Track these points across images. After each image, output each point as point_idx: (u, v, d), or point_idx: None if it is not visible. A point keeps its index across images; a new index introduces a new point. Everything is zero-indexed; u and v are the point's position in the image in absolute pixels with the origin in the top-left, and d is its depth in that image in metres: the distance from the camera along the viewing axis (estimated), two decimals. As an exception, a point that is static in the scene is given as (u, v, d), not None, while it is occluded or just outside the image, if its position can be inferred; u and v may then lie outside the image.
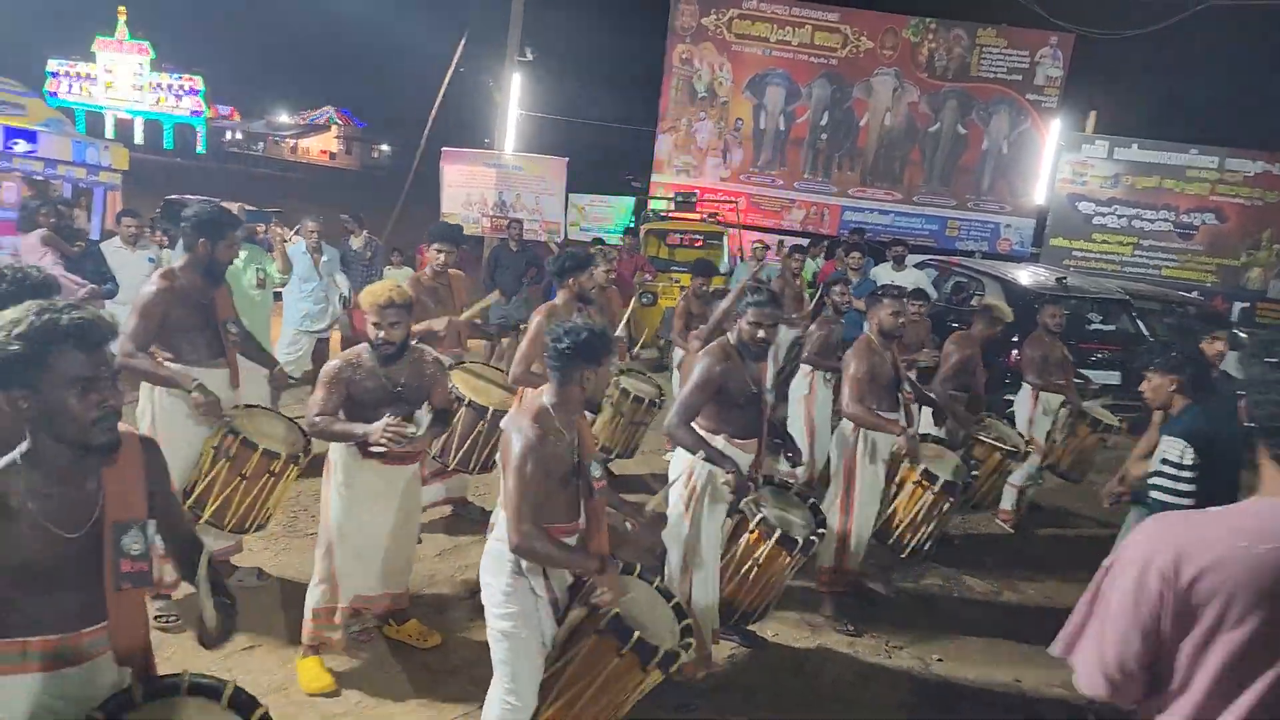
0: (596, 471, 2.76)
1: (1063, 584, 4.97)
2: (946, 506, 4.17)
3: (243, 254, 6.01)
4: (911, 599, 4.69)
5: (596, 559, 2.62)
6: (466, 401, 4.12)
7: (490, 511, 4.58)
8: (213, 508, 3.49)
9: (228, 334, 3.88)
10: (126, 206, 7.49)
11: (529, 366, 4.15)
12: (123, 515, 1.79)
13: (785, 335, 7.19)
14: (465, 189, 12.80)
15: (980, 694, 3.84)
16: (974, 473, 4.52)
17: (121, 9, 35.93)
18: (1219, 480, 3.14)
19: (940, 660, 4.06)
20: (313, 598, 3.42)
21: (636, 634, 2.47)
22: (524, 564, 2.61)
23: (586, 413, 3.08)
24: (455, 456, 4.22)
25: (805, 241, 9.92)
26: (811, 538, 3.58)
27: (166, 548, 2.04)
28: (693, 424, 3.53)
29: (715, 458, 3.43)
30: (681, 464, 3.56)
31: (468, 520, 4.98)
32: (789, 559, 3.54)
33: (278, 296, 7.04)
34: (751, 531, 3.54)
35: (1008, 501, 5.83)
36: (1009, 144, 13.57)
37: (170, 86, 39.84)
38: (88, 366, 1.66)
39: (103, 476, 1.78)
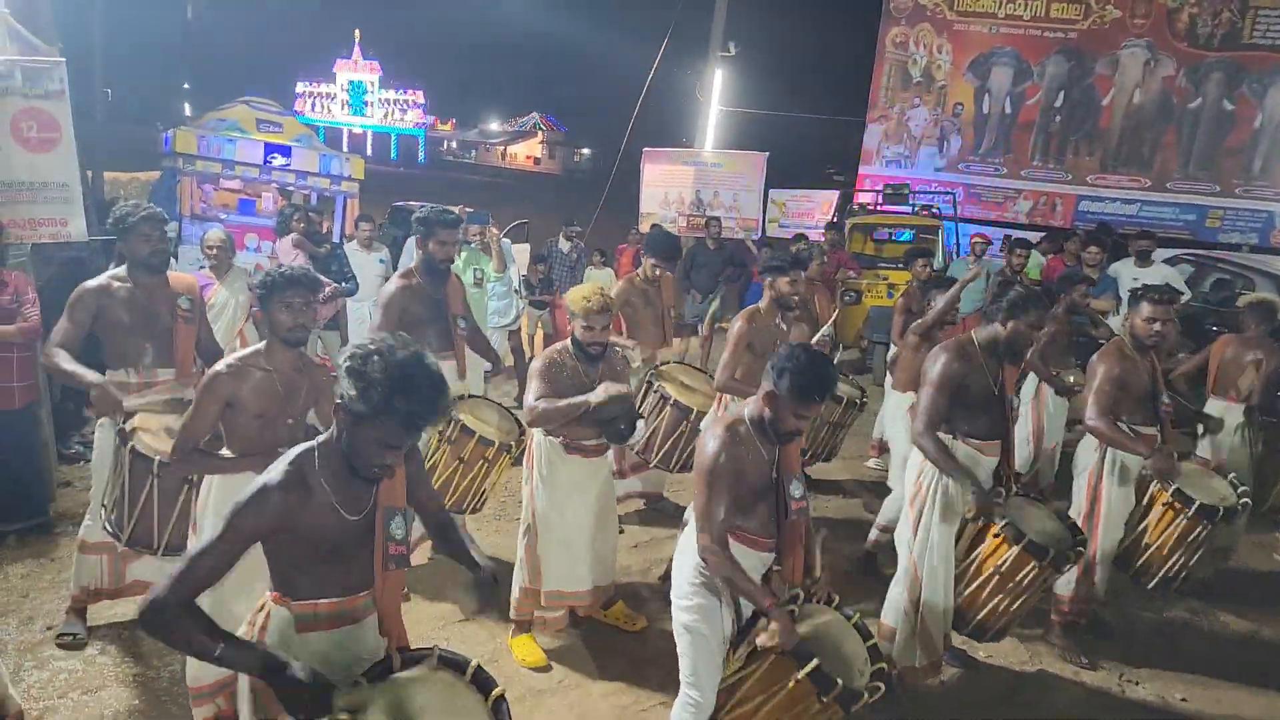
0: (796, 491, 2.70)
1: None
2: (1202, 534, 3.69)
3: (462, 254, 6.34)
4: (1152, 631, 4.21)
5: (769, 597, 2.53)
6: (672, 401, 4.21)
7: (684, 508, 4.54)
8: (435, 485, 3.69)
9: (456, 328, 4.16)
10: (362, 213, 8.13)
11: (733, 374, 4.17)
12: (390, 500, 2.05)
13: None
14: (664, 188, 12.87)
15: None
16: (1243, 499, 3.79)
17: (357, 30, 39.79)
18: None
19: (1184, 700, 3.65)
20: (518, 578, 3.63)
21: (815, 661, 2.40)
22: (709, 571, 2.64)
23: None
24: (657, 455, 4.34)
25: (1031, 236, 8.97)
26: (1068, 552, 3.30)
27: (426, 527, 2.42)
28: (939, 434, 3.38)
29: (957, 476, 3.30)
30: (913, 469, 3.50)
31: (662, 514, 5.13)
32: (1036, 569, 3.23)
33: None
34: (997, 535, 3.29)
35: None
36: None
37: (396, 102, 43.75)
38: (406, 439, 1.90)
39: None
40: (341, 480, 1.94)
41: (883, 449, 6.30)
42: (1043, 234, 10.41)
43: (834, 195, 13.24)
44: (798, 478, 2.73)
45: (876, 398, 6.37)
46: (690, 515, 2.76)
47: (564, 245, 9.11)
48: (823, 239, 9.39)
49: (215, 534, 1.84)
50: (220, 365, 2.81)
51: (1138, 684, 3.75)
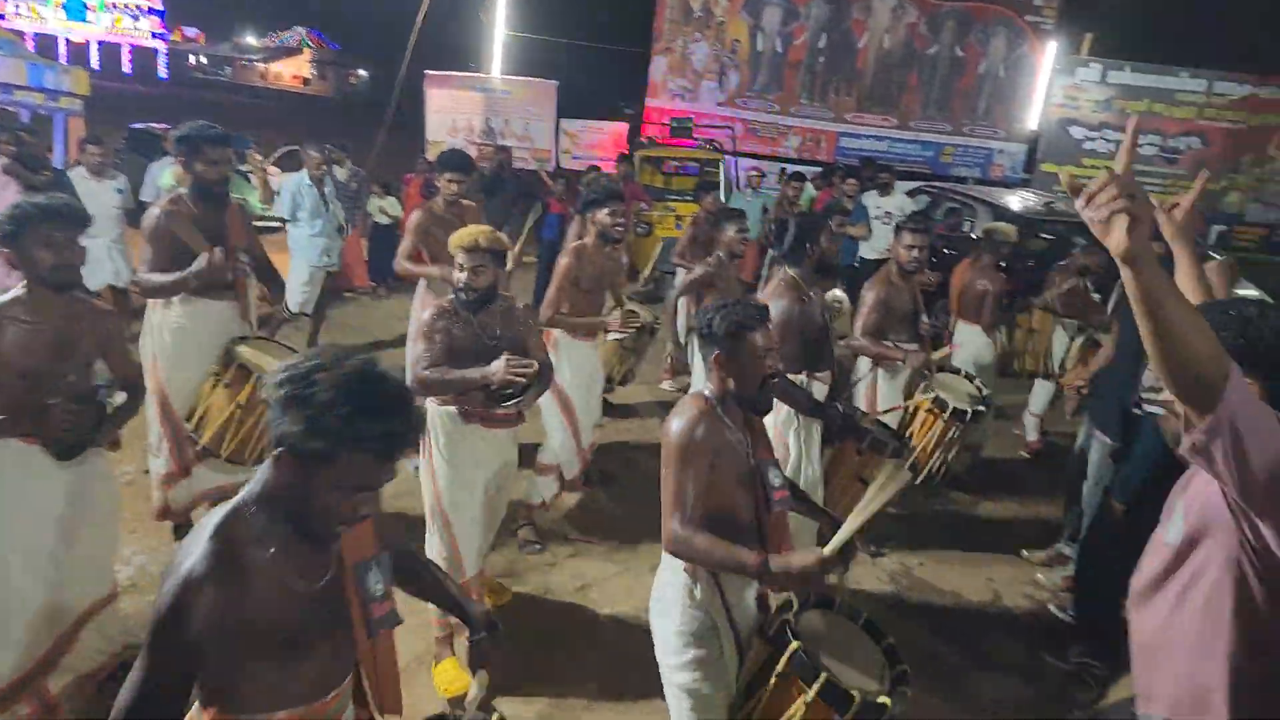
0: (776, 479, 2.34)
1: (1037, 498, 5.30)
2: (956, 433, 4.15)
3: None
4: (928, 519, 4.90)
5: (758, 555, 2.08)
6: None
7: None
8: (209, 433, 3.45)
9: (238, 262, 3.71)
10: (90, 134, 7.15)
11: (558, 309, 4.11)
12: (359, 553, 1.60)
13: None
14: (450, 115, 12.52)
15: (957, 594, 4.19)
16: (986, 402, 4.41)
17: (70, -79, 33.99)
18: None
19: (922, 564, 4.40)
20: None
21: (824, 676, 2.01)
22: (699, 593, 2.21)
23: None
24: None
25: (803, 169, 9.83)
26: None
27: (395, 574, 1.78)
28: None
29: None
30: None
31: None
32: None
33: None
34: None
35: (1031, 432, 6.01)
36: (1005, 67, 13.44)
37: (127, 6, 37.97)
38: (377, 476, 1.45)
39: None
40: (289, 544, 1.47)
41: (675, 371, 6.80)
42: (818, 170, 11.39)
43: (624, 128, 13.55)
44: (774, 464, 2.40)
45: (667, 324, 6.79)
46: (663, 562, 2.32)
47: (341, 174, 8.69)
48: (614, 171, 9.68)
49: (142, 669, 1.38)
50: None
51: (885, 554, 4.43)
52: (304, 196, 6.46)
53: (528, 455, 4.11)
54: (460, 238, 3.04)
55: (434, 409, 3.17)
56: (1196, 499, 1.69)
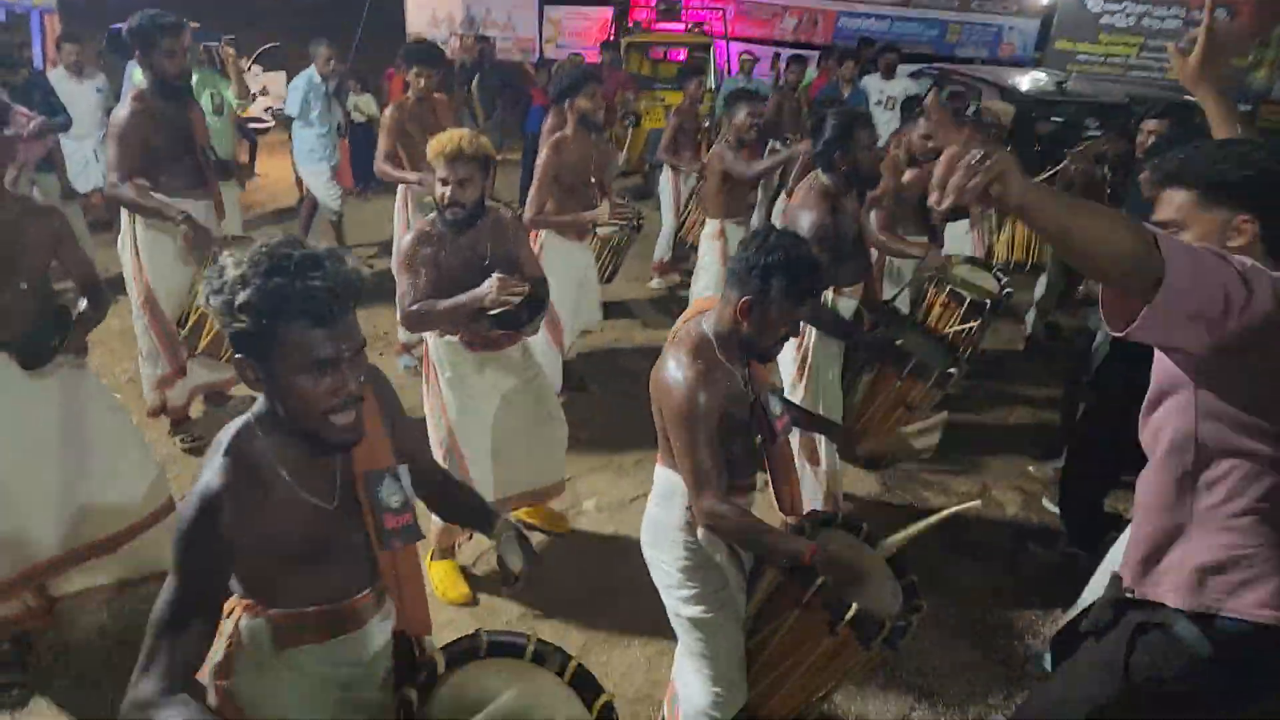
0: (777, 408, 2.21)
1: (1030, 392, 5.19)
2: (974, 328, 3.76)
3: (194, 77, 5.64)
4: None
5: (810, 546, 1.98)
6: None
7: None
8: (208, 339, 3.49)
9: (207, 160, 3.71)
10: (65, 31, 6.93)
11: (541, 209, 3.92)
12: (371, 463, 1.57)
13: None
14: (430, 6, 11.97)
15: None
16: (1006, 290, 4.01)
17: None
18: None
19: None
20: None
21: (854, 607, 1.92)
22: (700, 532, 2.12)
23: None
24: None
25: (804, 53, 9.32)
26: (950, 371, 3.27)
27: (416, 489, 1.72)
28: None
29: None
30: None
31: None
32: (924, 392, 3.27)
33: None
34: (896, 374, 3.30)
35: (1028, 326, 5.90)
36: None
37: (98, -101, 36.31)
38: (329, 345, 1.36)
39: None
40: (301, 457, 1.47)
41: (664, 270, 6.63)
42: (819, 51, 10.82)
43: (609, 12, 12.90)
44: (772, 391, 2.26)
45: (655, 221, 6.60)
46: (662, 477, 2.21)
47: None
48: (599, 59, 9.26)
49: (173, 584, 1.38)
50: None
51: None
52: (314, 96, 6.29)
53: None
54: (441, 145, 2.69)
55: (433, 340, 2.97)
56: (1161, 359, 1.65)
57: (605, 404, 4.69)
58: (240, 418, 1.49)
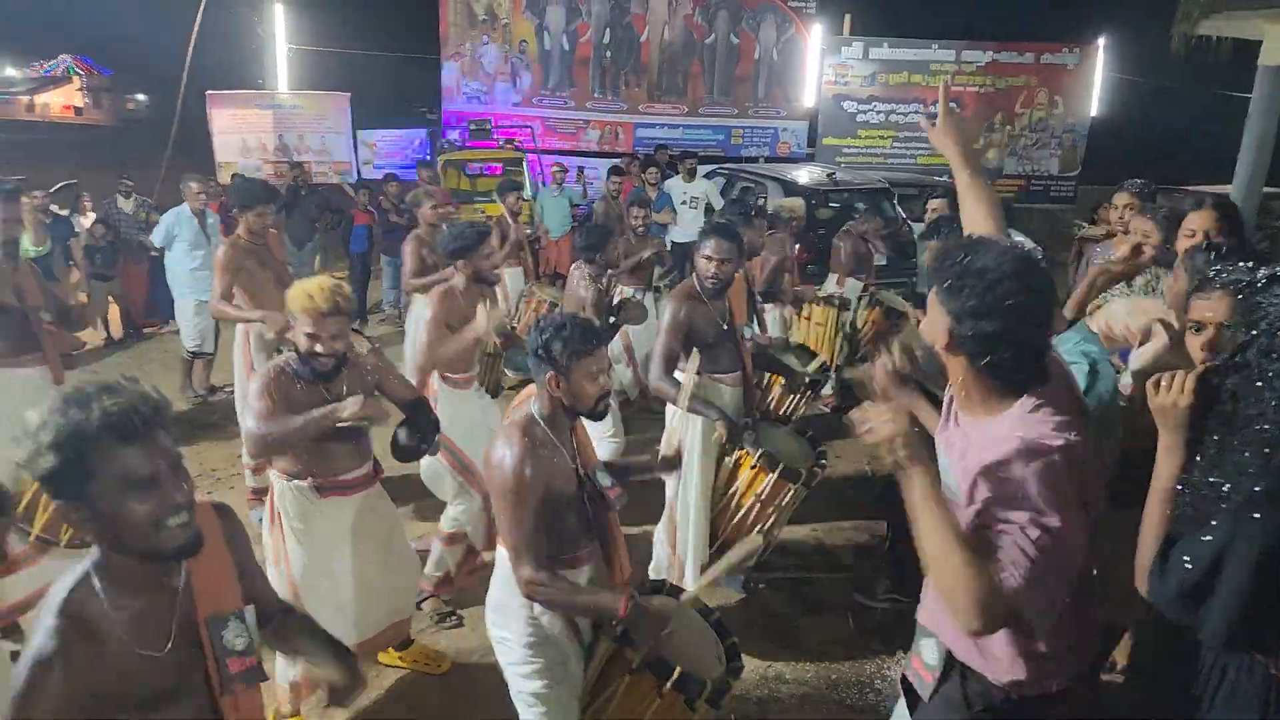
0: (606, 480, 2.36)
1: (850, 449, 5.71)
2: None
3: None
4: None
5: (622, 599, 2.13)
6: None
7: None
8: (42, 519, 3.04)
9: (41, 323, 3.58)
10: None
11: (435, 356, 3.72)
12: (216, 606, 1.56)
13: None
14: (240, 134, 11.99)
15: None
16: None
17: None
18: None
19: None
20: (284, 670, 2.86)
21: (678, 670, 2.08)
22: (536, 610, 2.25)
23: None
24: None
25: (620, 164, 10.18)
26: (815, 468, 3.51)
27: (261, 626, 1.71)
28: (674, 374, 3.46)
29: (700, 408, 3.35)
30: (670, 411, 3.55)
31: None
32: (792, 491, 3.44)
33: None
34: (754, 466, 3.41)
35: (828, 388, 6.42)
36: (778, 51, 14.38)
37: None
38: (147, 460, 1.39)
39: (187, 569, 1.56)
40: (136, 606, 1.46)
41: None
42: (619, 162, 11.75)
43: (422, 132, 13.44)
44: (599, 468, 2.42)
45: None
46: (498, 561, 2.32)
47: (126, 205, 8.25)
48: (417, 178, 9.67)
49: None
50: None
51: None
52: (183, 228, 6.30)
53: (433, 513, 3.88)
54: (311, 300, 2.63)
55: (281, 485, 2.84)
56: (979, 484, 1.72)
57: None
58: (72, 572, 1.47)
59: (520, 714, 2.34)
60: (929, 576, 1.68)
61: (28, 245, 5.52)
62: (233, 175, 10.44)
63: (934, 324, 1.71)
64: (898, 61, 14.10)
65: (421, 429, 2.96)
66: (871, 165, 13.17)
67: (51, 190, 8.56)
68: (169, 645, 1.48)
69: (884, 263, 8.15)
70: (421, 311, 5.10)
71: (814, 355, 4.86)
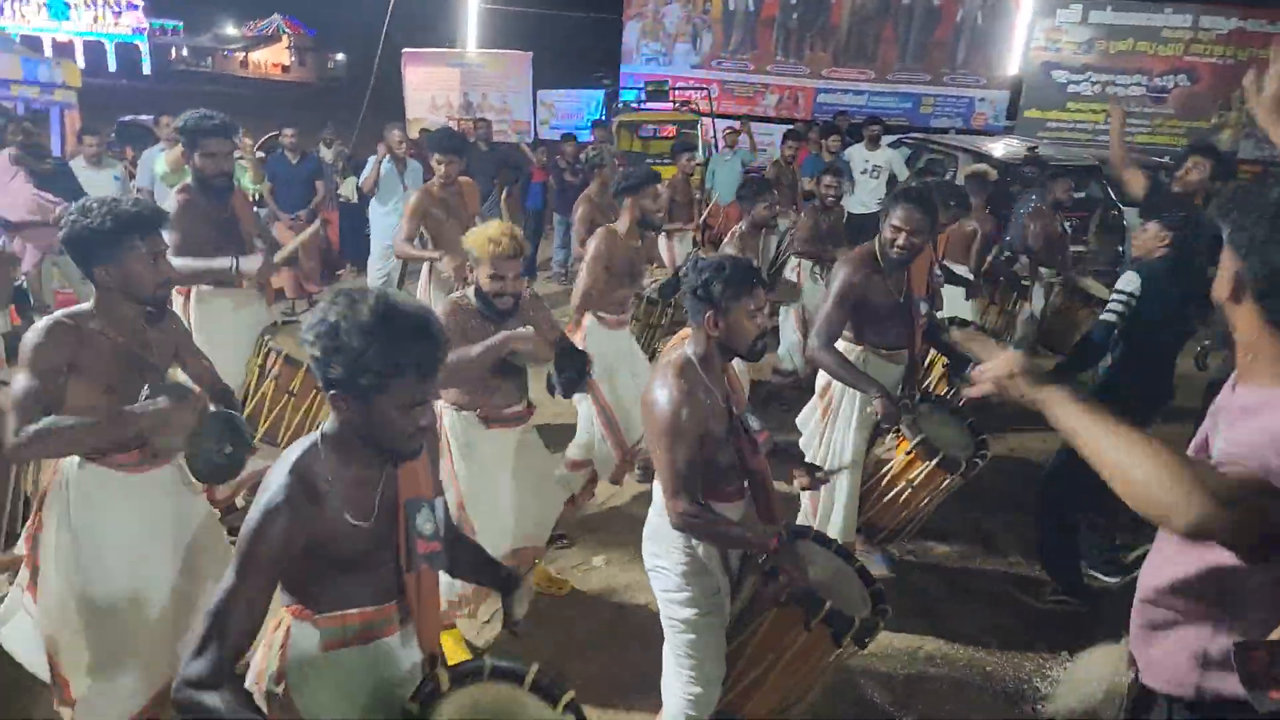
0: (755, 423, 2.41)
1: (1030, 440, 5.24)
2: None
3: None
4: None
5: (772, 536, 2.21)
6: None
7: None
8: (264, 427, 3.40)
9: (255, 250, 3.71)
10: (86, 125, 7.31)
11: (591, 293, 3.91)
12: (415, 492, 1.76)
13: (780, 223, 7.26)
14: (429, 92, 12.51)
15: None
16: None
17: (46, -80, 33.72)
18: (1154, 336, 3.30)
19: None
20: (447, 586, 2.96)
21: (828, 604, 2.11)
22: (694, 538, 2.31)
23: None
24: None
25: (797, 128, 9.75)
26: (975, 459, 3.21)
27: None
28: (836, 344, 3.31)
29: (860, 383, 3.21)
30: (823, 379, 3.47)
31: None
32: (947, 481, 3.20)
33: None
34: (909, 453, 3.21)
35: None
36: (983, 12, 13.29)
37: (108, 3, 37.80)
38: (425, 390, 1.60)
39: None
40: (351, 478, 1.67)
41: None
42: (797, 126, 11.31)
43: (600, 94, 13.50)
44: (749, 409, 2.47)
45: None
46: (655, 493, 2.41)
47: (325, 154, 8.75)
48: (591, 138, 9.67)
49: (232, 578, 1.55)
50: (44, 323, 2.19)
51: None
52: (382, 178, 6.63)
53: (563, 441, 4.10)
54: (494, 245, 2.82)
55: (451, 415, 3.07)
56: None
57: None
58: (305, 441, 1.69)
59: (669, 640, 2.39)
60: (1126, 497, 1.35)
61: (248, 183, 5.94)
62: (420, 130, 10.88)
63: (1222, 271, 1.49)
64: (1122, 27, 12.67)
65: (574, 368, 3.15)
66: (1079, 143, 11.95)
67: (259, 142, 9.21)
68: (372, 518, 1.67)
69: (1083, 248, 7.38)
70: None
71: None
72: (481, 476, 3.09)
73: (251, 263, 3.48)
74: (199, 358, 2.69)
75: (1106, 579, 3.81)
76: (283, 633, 1.72)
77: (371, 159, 6.83)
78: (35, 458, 2.32)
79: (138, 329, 2.32)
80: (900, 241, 3.24)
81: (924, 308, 3.66)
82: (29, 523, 2.41)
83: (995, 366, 1.50)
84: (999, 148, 9.13)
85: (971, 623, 3.56)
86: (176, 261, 3.37)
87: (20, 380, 2.11)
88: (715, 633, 2.33)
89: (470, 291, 2.97)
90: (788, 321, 5.75)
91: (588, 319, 4.05)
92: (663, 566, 2.37)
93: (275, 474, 1.63)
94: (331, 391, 1.56)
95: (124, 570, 2.34)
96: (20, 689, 2.77)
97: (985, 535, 4.26)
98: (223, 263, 3.45)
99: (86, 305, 2.26)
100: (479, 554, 2.10)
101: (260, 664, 1.75)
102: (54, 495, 2.32)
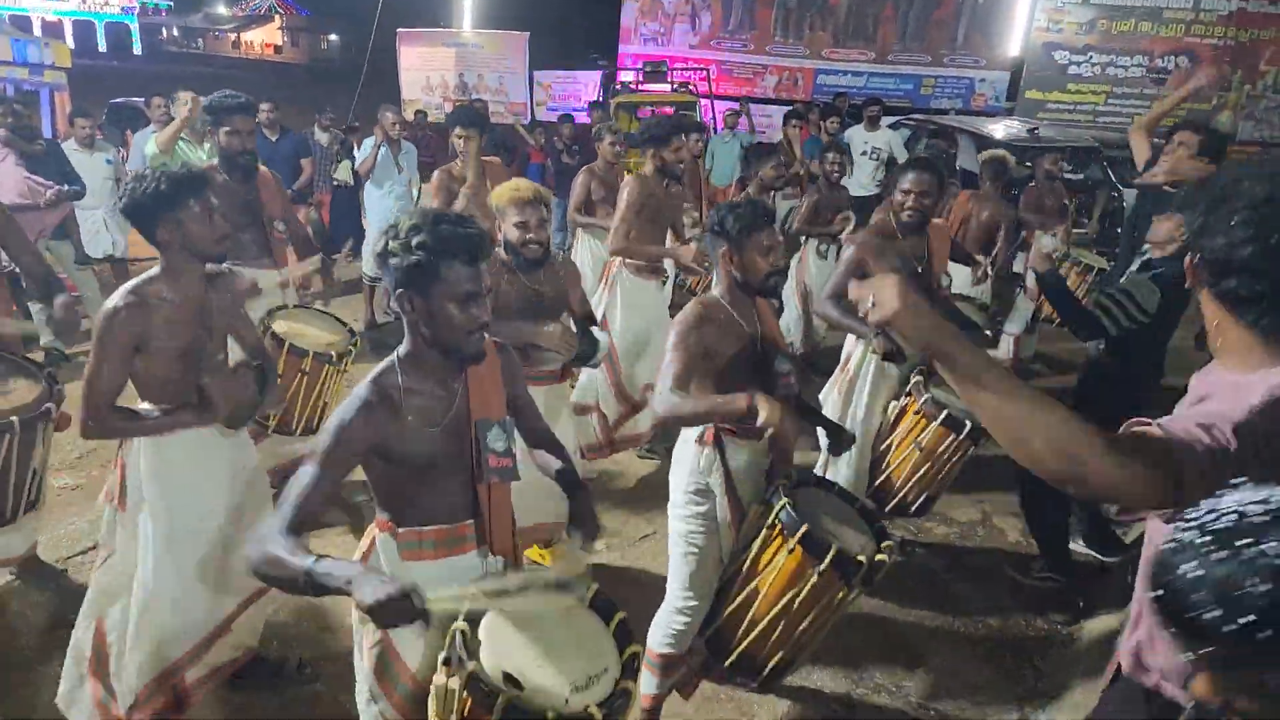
0: (784, 366, 2.51)
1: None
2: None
3: (207, 147, 5.86)
4: None
5: (745, 397, 2.19)
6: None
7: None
8: (275, 418, 3.37)
9: (275, 231, 3.80)
10: (77, 107, 7.20)
11: (627, 235, 4.05)
12: (485, 413, 1.90)
13: (782, 205, 7.20)
14: (424, 72, 12.37)
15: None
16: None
17: (29, -104, 33.22)
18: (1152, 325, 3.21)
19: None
20: None
21: (835, 547, 2.12)
22: (703, 460, 2.45)
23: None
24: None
25: (798, 109, 9.66)
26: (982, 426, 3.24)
27: (531, 450, 2.16)
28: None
29: (859, 327, 3.28)
30: (842, 353, 3.57)
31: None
32: (954, 443, 3.18)
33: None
34: (917, 413, 3.24)
35: (1004, 349, 5.90)
36: (984, -9, 13.21)
37: (96, -19, 37.26)
38: (474, 281, 1.74)
39: (467, 379, 1.90)
40: (425, 388, 1.81)
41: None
42: (798, 107, 11.20)
43: (597, 75, 13.37)
44: (784, 353, 2.57)
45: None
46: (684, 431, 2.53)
47: (322, 137, 8.64)
48: (589, 119, 9.58)
49: (320, 455, 1.70)
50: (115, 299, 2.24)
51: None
52: (379, 159, 6.46)
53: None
54: (515, 191, 2.89)
55: None
56: None
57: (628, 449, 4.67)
58: (387, 359, 1.84)
59: (671, 553, 2.54)
60: (1025, 460, 1.27)
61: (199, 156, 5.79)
62: (415, 112, 10.76)
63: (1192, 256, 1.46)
64: (1124, 7, 12.56)
65: (586, 344, 3.18)
66: (1079, 124, 11.87)
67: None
68: (442, 428, 1.82)
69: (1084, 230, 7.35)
70: (585, 252, 5.09)
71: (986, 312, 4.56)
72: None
73: (264, 280, 3.54)
74: (248, 324, 2.73)
75: (1105, 558, 3.79)
76: (368, 542, 1.91)
77: (369, 141, 6.72)
78: (111, 438, 2.39)
79: (202, 292, 2.40)
80: (910, 204, 3.41)
81: (944, 281, 3.80)
82: (111, 480, 2.47)
83: (884, 294, 1.30)
84: (999, 129, 9.06)
85: (973, 602, 3.59)
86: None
87: (91, 366, 2.23)
88: (709, 551, 2.48)
89: (499, 249, 2.99)
90: (790, 298, 5.75)
91: (615, 266, 4.23)
92: (675, 483, 2.54)
93: (358, 388, 1.78)
94: (399, 290, 1.73)
95: (193, 514, 2.45)
96: (21, 685, 2.76)
97: (986, 516, 4.29)
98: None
99: (154, 270, 2.34)
100: (567, 461, 2.19)
101: None
102: (127, 448, 2.41)
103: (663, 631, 2.56)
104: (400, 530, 1.85)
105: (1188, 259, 1.44)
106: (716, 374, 2.39)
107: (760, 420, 2.13)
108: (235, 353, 2.65)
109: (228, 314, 2.54)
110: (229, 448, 2.54)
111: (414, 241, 1.69)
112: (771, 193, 5.19)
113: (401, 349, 1.84)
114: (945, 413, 3.16)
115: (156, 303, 2.27)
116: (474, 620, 1.62)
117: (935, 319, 1.29)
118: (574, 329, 3.12)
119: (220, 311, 2.48)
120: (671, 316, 4.58)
